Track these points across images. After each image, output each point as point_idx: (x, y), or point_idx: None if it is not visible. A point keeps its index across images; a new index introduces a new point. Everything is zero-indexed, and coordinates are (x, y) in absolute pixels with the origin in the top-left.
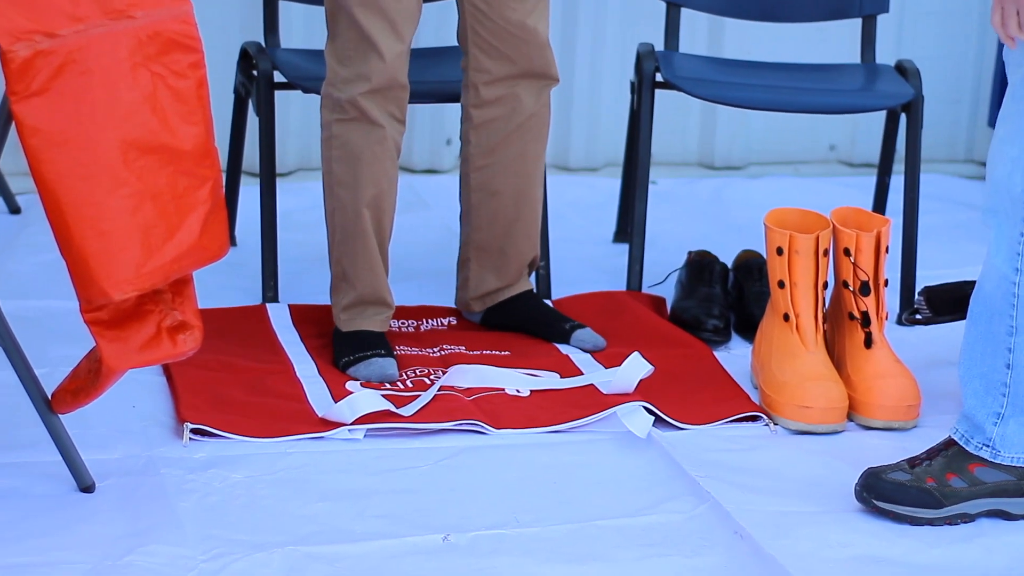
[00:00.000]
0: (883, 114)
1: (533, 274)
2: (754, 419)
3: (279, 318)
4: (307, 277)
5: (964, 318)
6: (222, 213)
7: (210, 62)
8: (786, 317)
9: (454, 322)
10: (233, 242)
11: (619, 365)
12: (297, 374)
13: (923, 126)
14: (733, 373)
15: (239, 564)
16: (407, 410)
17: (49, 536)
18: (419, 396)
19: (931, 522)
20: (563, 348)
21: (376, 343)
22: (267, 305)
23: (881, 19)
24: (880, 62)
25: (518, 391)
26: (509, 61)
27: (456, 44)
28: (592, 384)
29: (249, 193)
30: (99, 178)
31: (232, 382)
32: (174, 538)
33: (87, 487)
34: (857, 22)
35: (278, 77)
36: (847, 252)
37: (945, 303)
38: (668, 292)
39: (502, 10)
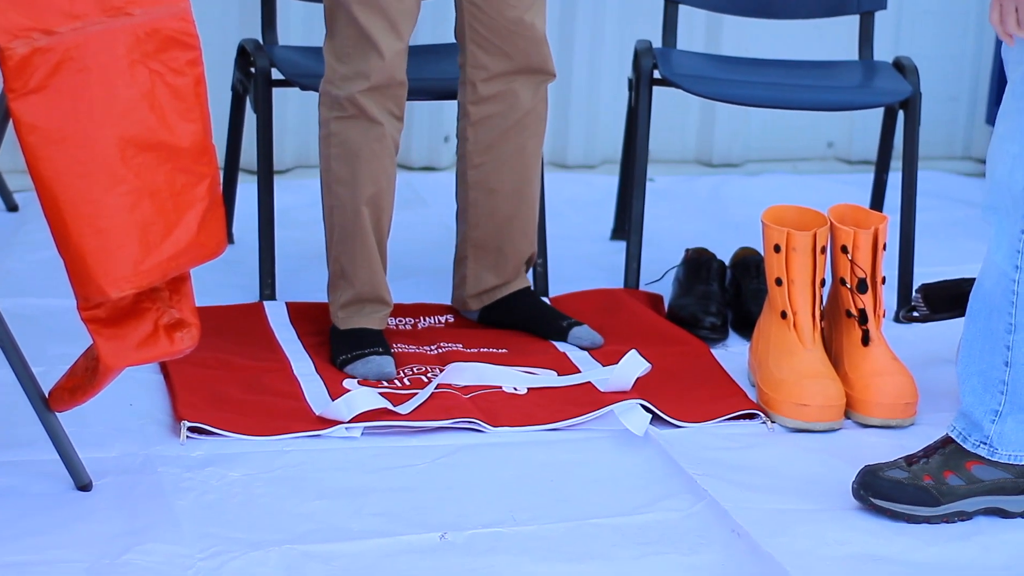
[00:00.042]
0: (881, 111)
1: (530, 271)
2: (751, 417)
3: (276, 316)
4: (305, 275)
5: (962, 315)
6: (220, 210)
7: (208, 59)
8: (783, 314)
9: (451, 320)
10: (230, 239)
11: (616, 363)
12: (294, 372)
13: (921, 123)
14: (730, 371)
15: (236, 562)
16: (404, 408)
17: (46, 534)
18: (416, 394)
19: (928, 520)
20: (560, 346)
21: (374, 341)
22: (264, 303)
23: (879, 16)
24: (878, 59)
25: (515, 389)
26: (507, 57)
27: (453, 41)
28: (589, 382)
29: (247, 190)
30: (97, 175)
31: (229, 380)
32: (171, 536)
33: (84, 485)
34: (855, 19)
35: (276, 74)
36: (844, 249)
37: (942, 300)
38: (665, 290)
39: (500, 6)
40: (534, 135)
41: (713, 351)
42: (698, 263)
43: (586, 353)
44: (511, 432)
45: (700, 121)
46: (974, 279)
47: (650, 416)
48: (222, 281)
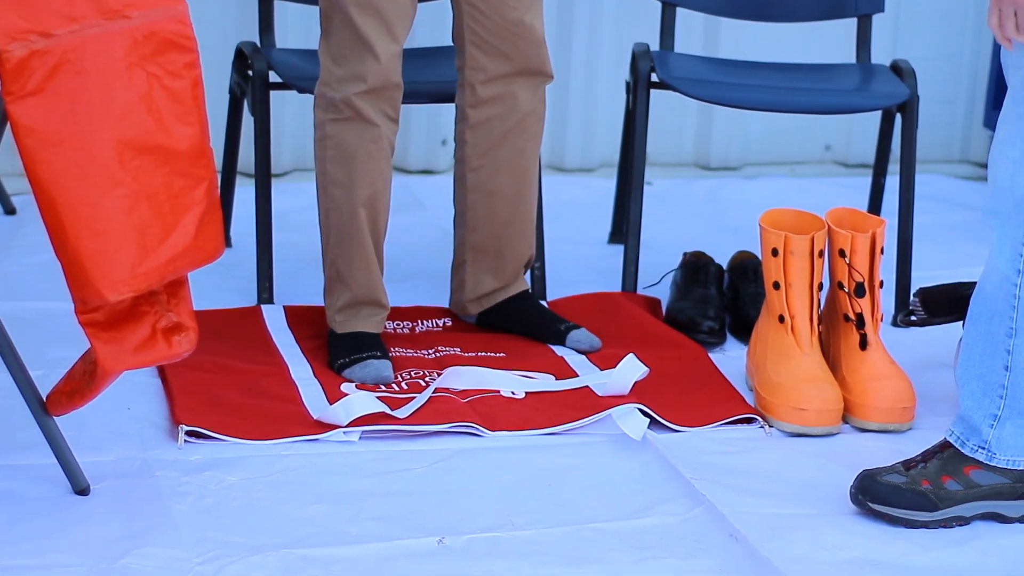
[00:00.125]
0: (878, 114)
1: (528, 273)
2: (749, 421)
3: (274, 320)
4: (303, 278)
5: (960, 320)
6: (217, 214)
7: (205, 62)
8: (781, 318)
9: (449, 323)
10: (228, 243)
11: (614, 367)
12: (292, 376)
13: (918, 126)
14: (728, 375)
15: (234, 567)
16: (402, 412)
17: (44, 539)
18: (414, 398)
19: (926, 525)
20: (558, 350)
21: (371, 345)
22: (262, 307)
23: (876, 19)
24: (876, 62)
25: (513, 393)
26: (506, 59)
27: (451, 44)
28: (587, 386)
29: (244, 194)
30: (94, 178)
31: (227, 384)
32: (169, 540)
33: (82, 490)
34: (852, 22)
35: (273, 77)
36: (842, 253)
37: (940, 304)
38: (663, 293)
39: (500, 8)
40: (533, 137)
41: (711, 355)
42: (696, 267)
43: (584, 357)
44: (509, 436)
45: (698, 124)
46: (972, 283)
47: (648, 420)
48: (220, 285)
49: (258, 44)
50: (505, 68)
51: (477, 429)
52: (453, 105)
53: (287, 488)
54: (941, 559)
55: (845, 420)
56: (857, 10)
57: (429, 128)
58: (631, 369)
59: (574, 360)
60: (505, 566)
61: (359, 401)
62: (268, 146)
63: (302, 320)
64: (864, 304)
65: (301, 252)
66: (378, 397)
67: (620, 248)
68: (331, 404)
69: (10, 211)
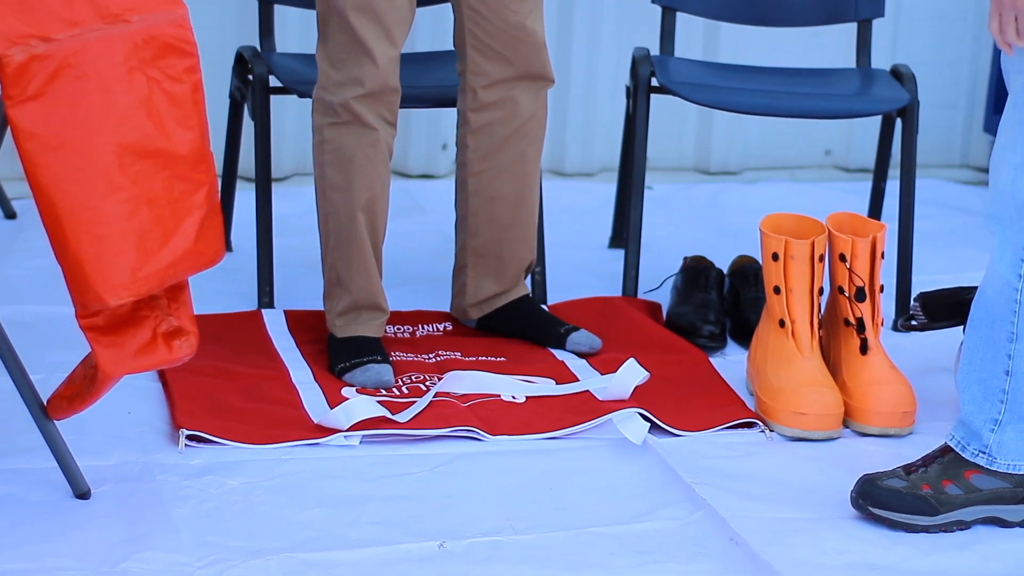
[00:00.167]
0: (879, 119)
1: (528, 278)
2: (750, 425)
3: (275, 324)
4: (303, 282)
5: (960, 324)
6: (218, 218)
7: (205, 66)
8: (782, 323)
9: (449, 328)
10: (229, 247)
11: (615, 371)
12: (293, 380)
13: (919, 131)
14: (729, 379)
15: (235, 571)
16: (403, 416)
17: (45, 543)
18: (415, 402)
19: (927, 529)
20: (559, 354)
21: (372, 349)
22: (263, 311)
23: (877, 24)
24: (876, 67)
25: (514, 397)
26: (507, 63)
27: (452, 49)
28: (588, 390)
29: (244, 198)
30: (95, 182)
31: (228, 388)
32: (170, 545)
33: (83, 493)
34: (853, 27)
35: (274, 81)
36: (843, 258)
37: (941, 309)
38: (664, 298)
39: (501, 12)
40: (534, 141)
41: (711, 359)
42: (696, 271)
43: (584, 361)
44: (509, 440)
45: (698, 129)
46: (973, 287)
47: (648, 425)
48: (220, 289)
49: (258, 48)
50: (506, 72)
51: (478, 433)
52: (454, 109)
53: (288, 492)
54: (942, 563)
55: (846, 424)
56: (857, 15)
57: (429, 132)
58: (632, 373)
59: (575, 364)
60: (506, 570)
61: (360, 405)
62: (268, 150)
63: (302, 324)
64: (864, 308)
65: (301, 256)
66: (379, 401)
67: (620, 252)
68: (332, 408)
69: (10, 215)
